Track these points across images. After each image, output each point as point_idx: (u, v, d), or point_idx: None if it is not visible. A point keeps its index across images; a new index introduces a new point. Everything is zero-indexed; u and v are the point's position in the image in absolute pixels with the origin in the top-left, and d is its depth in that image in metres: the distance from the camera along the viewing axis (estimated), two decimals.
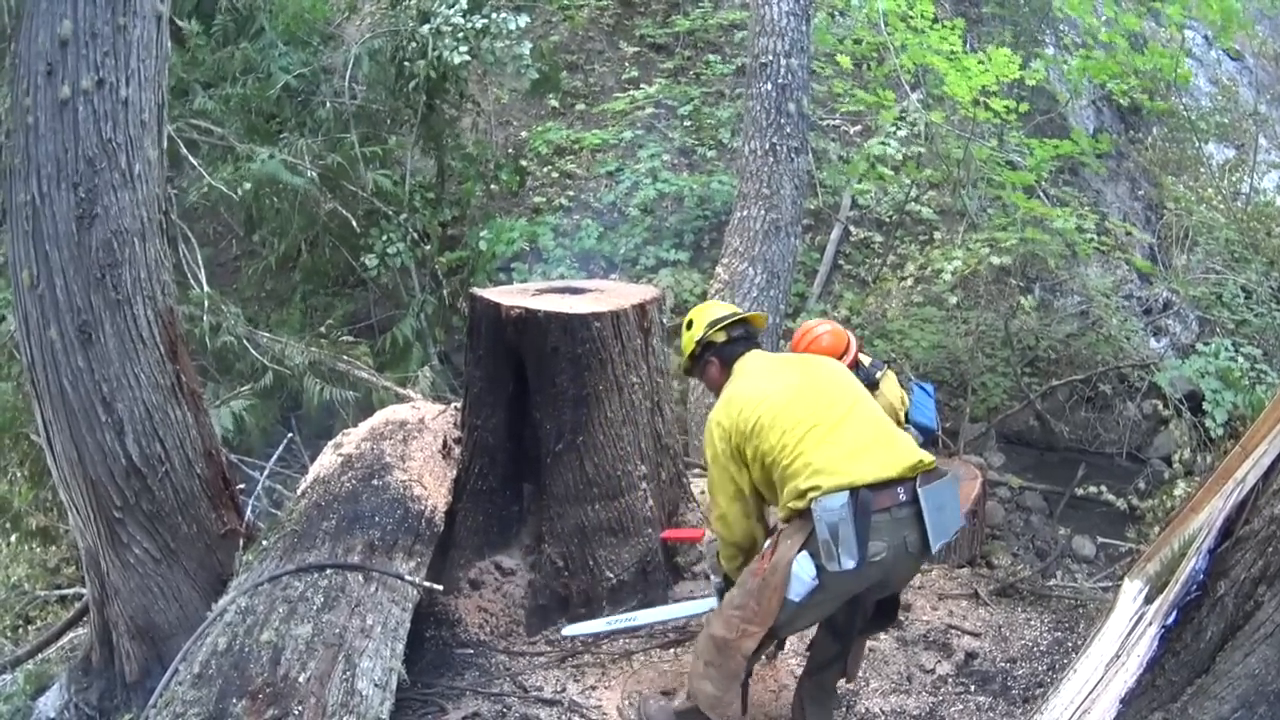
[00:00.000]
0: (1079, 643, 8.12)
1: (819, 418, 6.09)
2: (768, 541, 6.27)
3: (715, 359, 6.89)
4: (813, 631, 7.14)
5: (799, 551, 5.90)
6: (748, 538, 6.48)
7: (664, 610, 8.30)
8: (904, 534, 5.88)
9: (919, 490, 5.86)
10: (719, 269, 13.48)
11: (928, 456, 6.08)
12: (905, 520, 5.87)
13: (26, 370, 7.61)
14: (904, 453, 6.01)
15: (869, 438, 6.08)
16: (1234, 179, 20.59)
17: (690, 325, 7.04)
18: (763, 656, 7.67)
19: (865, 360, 9.68)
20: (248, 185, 14.37)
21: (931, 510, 5.86)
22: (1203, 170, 20.50)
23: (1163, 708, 5.28)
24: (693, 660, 6.74)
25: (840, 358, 8.91)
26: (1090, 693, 5.54)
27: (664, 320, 9.11)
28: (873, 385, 9.20)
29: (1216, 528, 5.46)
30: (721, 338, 6.84)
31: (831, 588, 5.96)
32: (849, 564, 5.71)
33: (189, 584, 7.77)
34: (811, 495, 5.80)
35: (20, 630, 12.91)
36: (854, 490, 5.75)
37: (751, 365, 6.68)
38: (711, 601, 7.49)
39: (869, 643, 8.28)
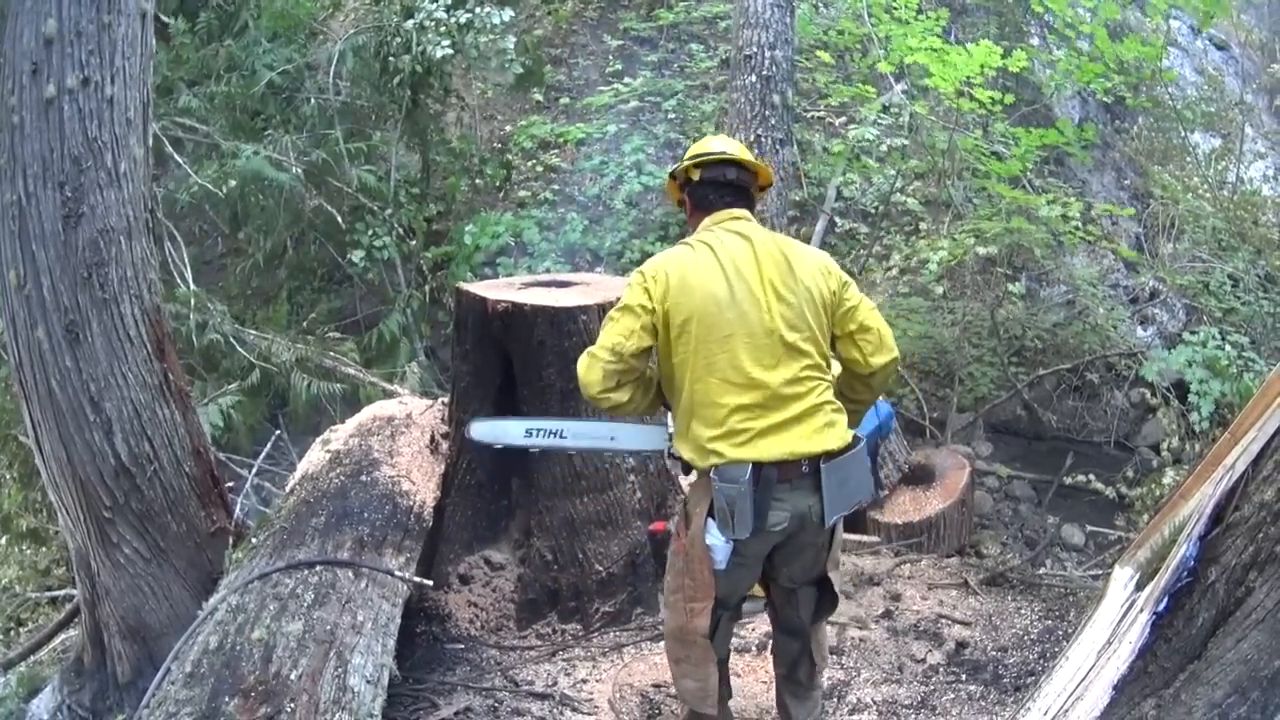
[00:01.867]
0: (1069, 631, 8.15)
1: (750, 362, 5.86)
2: (676, 516, 6.39)
3: (689, 197, 6.50)
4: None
5: (705, 520, 5.93)
6: (599, 390, 6.01)
7: (590, 427, 7.79)
8: (807, 503, 5.91)
9: (821, 466, 5.86)
10: None
11: (838, 444, 5.96)
12: (806, 490, 5.89)
13: (14, 371, 7.66)
14: (819, 438, 5.91)
15: (792, 409, 5.89)
16: (1220, 168, 20.53)
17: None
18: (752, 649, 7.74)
19: None
20: (233, 183, 14.37)
21: (830, 485, 5.88)
22: (1189, 159, 20.49)
23: (1155, 694, 5.28)
24: (670, 668, 6.70)
25: None
26: (1083, 679, 5.55)
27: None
28: None
29: (1207, 514, 5.46)
30: (695, 176, 6.34)
31: (744, 550, 6.01)
32: (743, 534, 5.78)
33: (179, 583, 7.84)
34: (713, 461, 5.81)
35: (11, 633, 12.95)
36: (757, 464, 5.75)
37: (723, 241, 6.12)
38: (641, 430, 7.51)
39: (859, 633, 8.55)
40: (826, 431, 5.94)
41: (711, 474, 5.80)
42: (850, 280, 6.20)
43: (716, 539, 5.93)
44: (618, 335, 5.90)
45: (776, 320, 5.87)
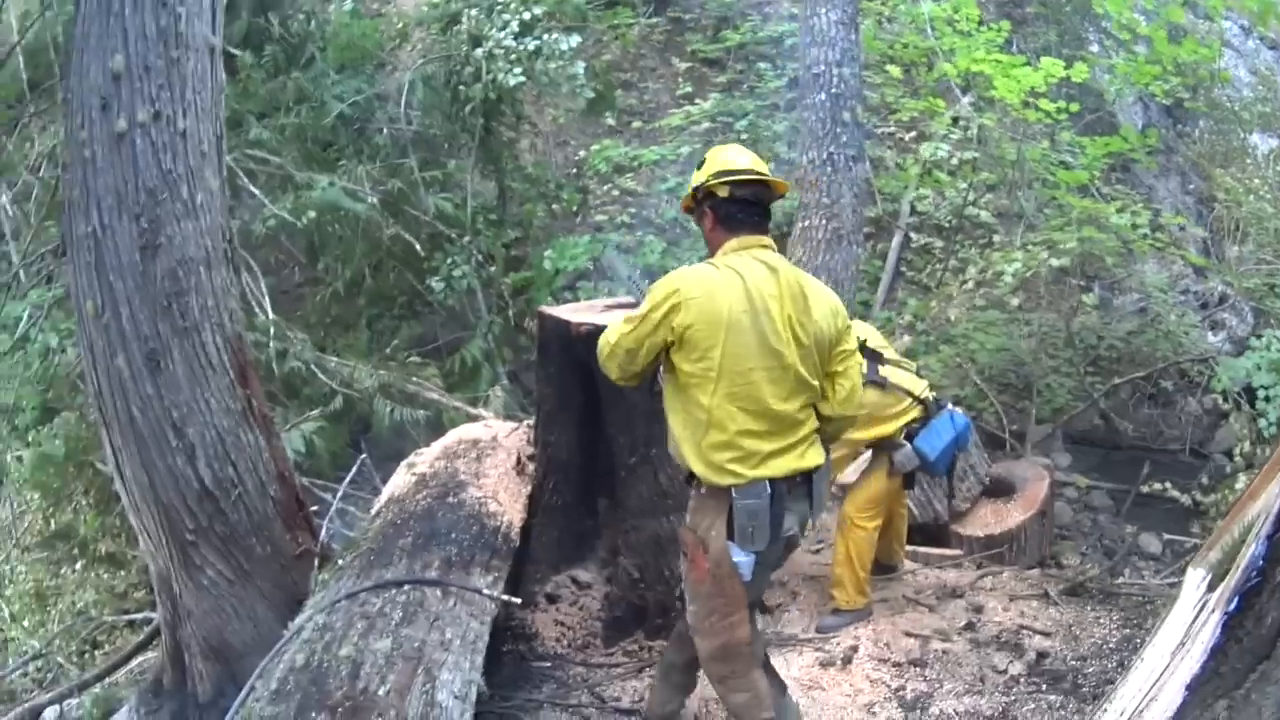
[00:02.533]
0: (1148, 638, 8.17)
1: (769, 393, 6.05)
2: (688, 537, 6.34)
3: (711, 212, 6.44)
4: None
5: (725, 540, 6.08)
6: (616, 378, 6.42)
7: None
8: (803, 509, 6.29)
9: (813, 477, 6.24)
10: None
11: (822, 459, 6.32)
12: (803, 498, 6.24)
13: (93, 398, 7.70)
14: (810, 454, 6.23)
15: (796, 434, 6.17)
16: (1279, 168, 20.47)
17: (702, 164, 6.54)
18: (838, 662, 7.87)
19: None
20: (311, 214, 14.44)
21: (818, 493, 6.32)
22: (1249, 161, 20.42)
23: (1227, 695, 5.25)
24: (717, 690, 6.70)
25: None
26: (1157, 680, 5.57)
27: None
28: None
29: (1274, 513, 5.45)
30: (724, 193, 6.32)
31: (764, 558, 6.21)
32: (763, 545, 6.03)
33: (264, 604, 7.85)
34: (730, 480, 5.99)
35: (87, 655, 13.01)
36: (772, 481, 5.99)
37: (751, 270, 6.14)
38: None
39: (942, 645, 8.63)
40: (814, 448, 6.28)
41: (732, 493, 5.99)
42: (852, 329, 6.43)
43: (740, 555, 6.08)
44: (634, 341, 6.10)
45: (794, 356, 6.06)
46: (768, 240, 6.31)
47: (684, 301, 5.96)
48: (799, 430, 6.14)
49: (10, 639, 13.77)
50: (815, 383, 6.18)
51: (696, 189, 6.50)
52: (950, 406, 9.28)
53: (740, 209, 6.32)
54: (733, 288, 6.01)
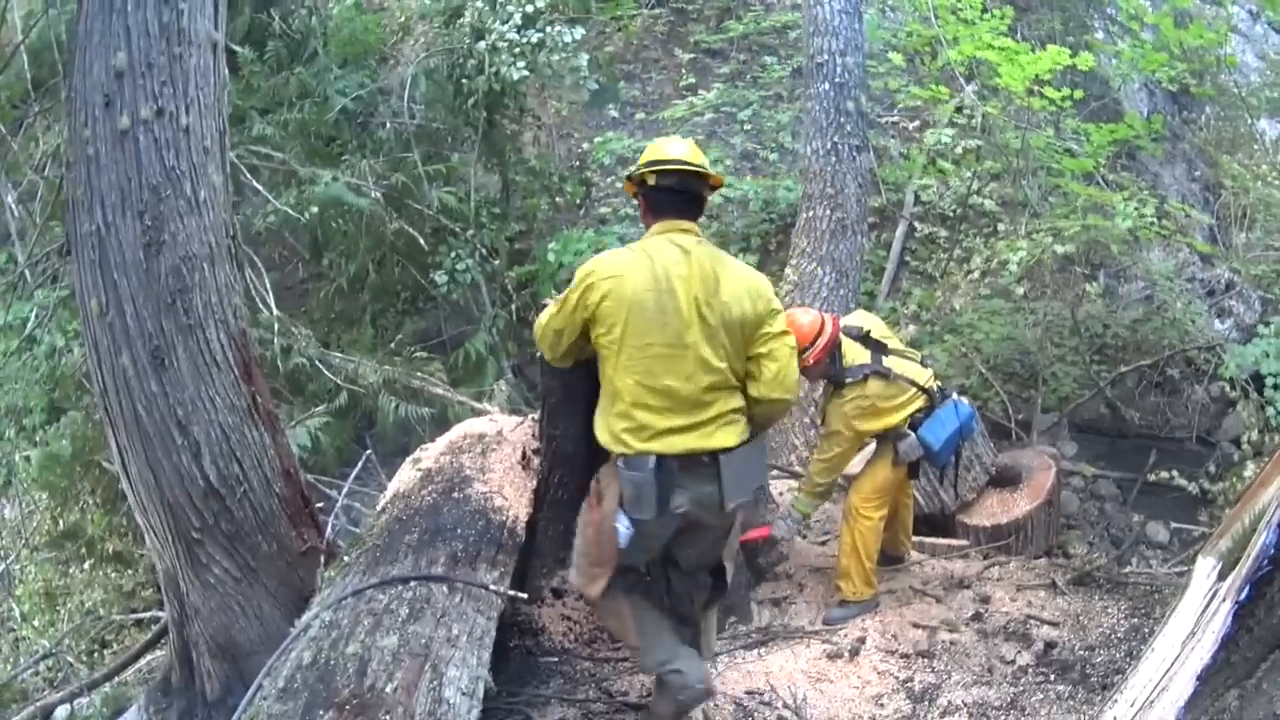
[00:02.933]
0: (1156, 629, 8.16)
1: (664, 370, 6.33)
2: (594, 486, 6.78)
3: (642, 199, 6.85)
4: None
5: (616, 505, 6.45)
6: (549, 358, 7.08)
7: None
8: (705, 489, 6.39)
9: (720, 458, 6.35)
10: (788, 270, 13.61)
11: (734, 441, 6.43)
12: (706, 477, 6.37)
13: (99, 397, 7.68)
14: (718, 435, 6.38)
15: (697, 415, 6.37)
16: None
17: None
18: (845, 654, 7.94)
19: (853, 358, 9.21)
20: (314, 209, 14.43)
21: (728, 475, 6.39)
22: (1256, 147, 20.39)
23: (1238, 684, 5.25)
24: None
25: (800, 351, 8.38)
26: (1168, 670, 5.54)
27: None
28: (839, 385, 9.07)
29: None
30: (651, 181, 6.68)
31: (647, 531, 6.50)
32: (648, 515, 6.35)
33: (270, 602, 7.84)
34: (621, 450, 6.38)
35: (96, 655, 13.05)
36: (660, 457, 6.27)
37: (662, 251, 6.53)
38: None
39: (950, 636, 8.66)
40: (725, 429, 6.42)
41: (619, 464, 6.39)
42: (781, 312, 6.53)
43: (622, 521, 6.43)
44: (560, 322, 6.66)
45: (695, 336, 6.31)
46: (688, 225, 6.63)
47: (596, 282, 6.41)
48: (704, 410, 6.36)
49: (21, 638, 13.79)
50: (722, 365, 6.38)
51: (630, 177, 6.88)
52: (955, 396, 9.30)
53: (665, 196, 6.66)
54: (641, 269, 6.39)
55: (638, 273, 6.38)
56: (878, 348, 9.15)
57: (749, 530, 9.16)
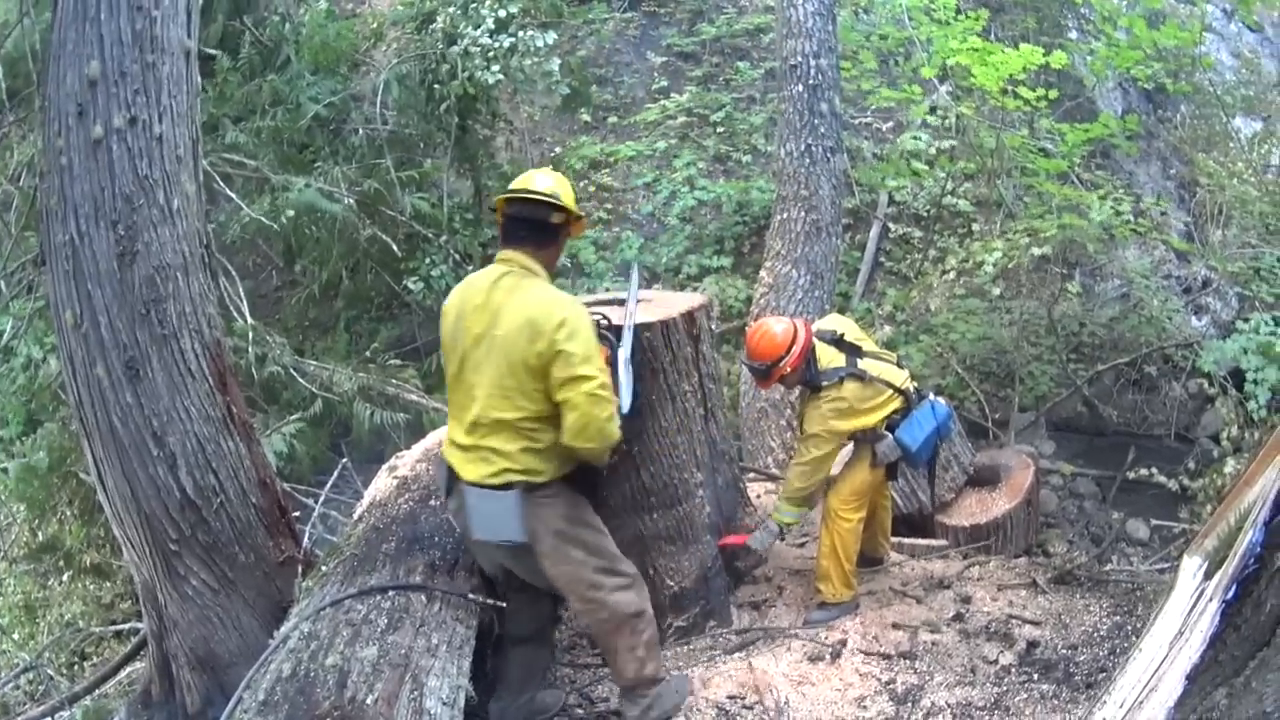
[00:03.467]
0: (1138, 626, 8.15)
1: (454, 395, 6.73)
2: None
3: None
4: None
5: None
6: None
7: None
8: (497, 524, 6.60)
9: (464, 487, 6.57)
10: (763, 272, 13.56)
11: (479, 477, 6.55)
12: (496, 511, 6.56)
13: (74, 409, 7.64)
14: (471, 468, 6.57)
15: (468, 440, 6.61)
16: (1263, 151, 20.50)
17: None
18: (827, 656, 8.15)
19: (828, 361, 9.10)
20: (291, 213, 14.40)
21: (474, 507, 6.61)
22: (1232, 145, 20.46)
23: (1226, 683, 5.24)
24: None
25: (776, 360, 8.77)
26: (1156, 670, 5.55)
27: (712, 327, 9.21)
28: (815, 388, 8.95)
29: (1270, 500, 5.44)
30: (500, 209, 6.79)
31: (473, 546, 7.03)
32: (448, 513, 7.12)
33: (249, 613, 7.81)
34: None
35: (76, 667, 13.00)
36: (454, 471, 6.67)
37: (474, 282, 6.75)
38: None
39: (931, 637, 8.69)
40: (477, 464, 6.54)
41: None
42: (575, 355, 6.27)
43: None
44: None
45: (469, 367, 6.55)
46: (513, 254, 6.62)
47: (443, 310, 6.84)
48: (479, 438, 6.53)
49: (1, 652, 13.73)
50: (493, 399, 6.45)
51: (494, 209, 7.00)
52: (931, 396, 9.31)
53: (508, 224, 6.74)
54: (456, 297, 6.76)
55: (453, 300, 6.74)
56: (852, 350, 9.13)
57: (726, 536, 9.27)
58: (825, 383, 8.84)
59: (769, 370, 8.80)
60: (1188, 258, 18.35)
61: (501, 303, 6.41)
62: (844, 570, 9.09)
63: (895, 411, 9.03)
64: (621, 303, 8.82)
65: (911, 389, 9.17)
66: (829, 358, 8.99)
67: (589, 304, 8.79)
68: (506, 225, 6.70)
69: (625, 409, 7.00)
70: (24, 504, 13.37)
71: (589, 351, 6.29)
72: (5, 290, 12.96)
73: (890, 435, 9.00)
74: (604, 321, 7.34)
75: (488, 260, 16.88)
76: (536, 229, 6.63)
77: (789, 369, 8.76)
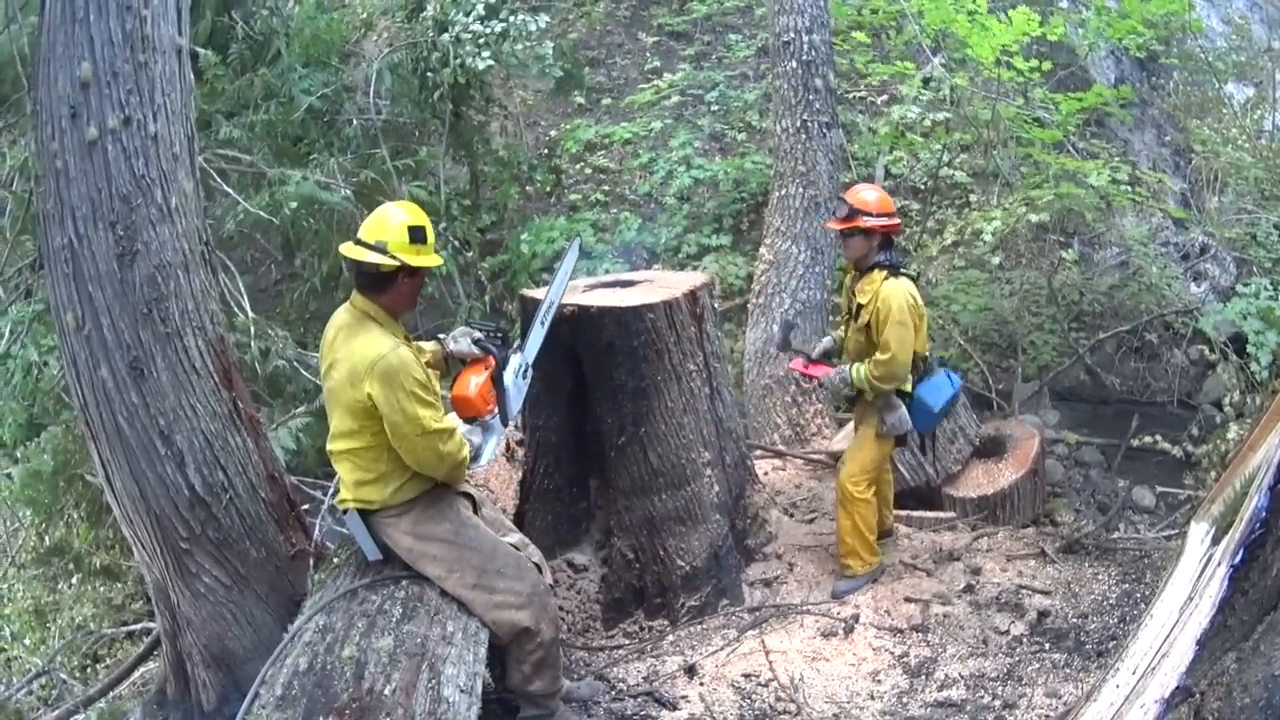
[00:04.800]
0: (1147, 594, 8.19)
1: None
2: None
3: None
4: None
5: None
6: None
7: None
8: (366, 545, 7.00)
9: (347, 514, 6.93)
10: (762, 249, 13.60)
11: (341, 498, 6.97)
12: (363, 534, 6.95)
13: (79, 411, 7.62)
14: (342, 493, 6.98)
15: (340, 467, 6.96)
16: (1256, 116, 20.50)
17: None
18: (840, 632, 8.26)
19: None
20: (294, 205, 14.36)
21: (355, 529, 6.91)
22: (1225, 111, 20.46)
23: (1235, 647, 5.24)
24: None
25: (868, 212, 8.75)
26: (1167, 636, 5.54)
27: (715, 305, 9.19)
28: (893, 270, 8.79)
29: (1275, 464, 5.44)
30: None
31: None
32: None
33: (262, 608, 7.81)
34: None
35: (89, 669, 12.98)
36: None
37: (333, 320, 6.94)
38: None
39: (943, 609, 8.89)
40: (351, 491, 6.87)
41: None
42: (395, 403, 6.46)
43: None
44: None
45: (327, 399, 6.90)
46: (358, 299, 6.84)
47: None
48: (340, 466, 6.90)
49: (13, 658, 13.73)
50: (335, 431, 6.85)
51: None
52: (945, 368, 9.27)
53: (354, 269, 6.90)
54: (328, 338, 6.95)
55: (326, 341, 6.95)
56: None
57: (808, 366, 9.42)
58: (904, 270, 8.84)
59: (854, 214, 8.79)
60: (1185, 224, 18.34)
61: (337, 346, 6.72)
62: (868, 541, 9.17)
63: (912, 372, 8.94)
64: (624, 285, 8.88)
65: (926, 355, 9.13)
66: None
67: (591, 286, 8.87)
68: (354, 269, 6.87)
69: (510, 417, 7.32)
70: (29, 508, 13.34)
71: (407, 399, 6.47)
72: (3, 295, 12.93)
73: (902, 406, 8.91)
74: (490, 330, 7.41)
75: (487, 245, 17.03)
76: (372, 278, 6.76)
77: (869, 228, 8.78)
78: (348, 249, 6.70)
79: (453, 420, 6.76)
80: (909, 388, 8.97)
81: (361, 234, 6.71)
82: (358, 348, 6.55)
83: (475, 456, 6.95)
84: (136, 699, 10.34)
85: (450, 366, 7.43)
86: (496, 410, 7.09)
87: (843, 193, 9.28)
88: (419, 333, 7.63)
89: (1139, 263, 17.11)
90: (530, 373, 7.49)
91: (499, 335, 7.39)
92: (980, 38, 14.62)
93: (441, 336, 7.45)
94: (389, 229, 6.67)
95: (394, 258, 6.61)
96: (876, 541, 9.56)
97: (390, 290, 6.76)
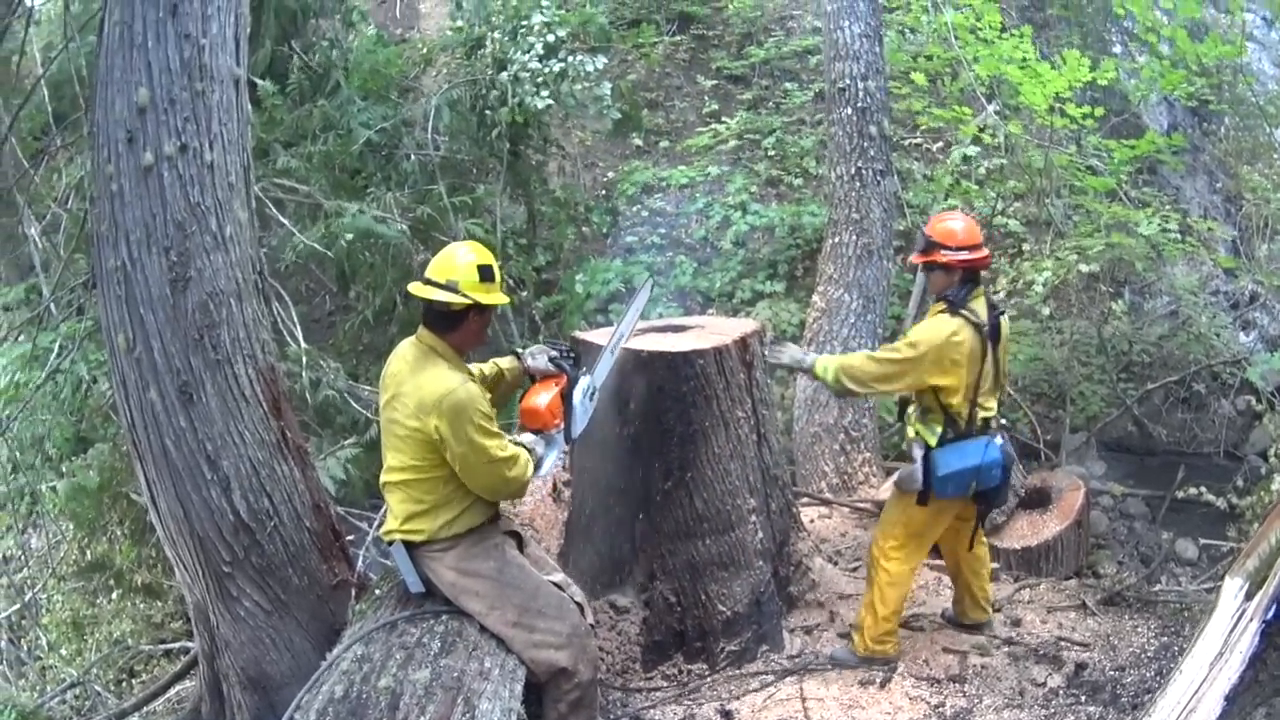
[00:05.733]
0: (1185, 647, 8.15)
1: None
2: None
3: None
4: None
5: None
6: None
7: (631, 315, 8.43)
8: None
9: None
10: (815, 297, 13.56)
11: (388, 529, 7.04)
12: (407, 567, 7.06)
13: (127, 431, 7.68)
14: (388, 522, 7.08)
15: (385, 491, 7.09)
16: None
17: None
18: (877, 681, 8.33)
19: (976, 306, 8.42)
20: (350, 236, 14.41)
21: (397, 559, 7.05)
22: (1276, 156, 20.39)
23: (1266, 703, 5.26)
24: None
25: (949, 246, 8.30)
26: (1196, 692, 5.55)
27: (765, 353, 9.08)
28: (952, 308, 8.31)
29: None
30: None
31: None
32: None
33: (301, 635, 7.87)
34: None
35: (124, 684, 13.03)
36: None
37: (399, 351, 7.08)
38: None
39: (981, 660, 8.86)
40: (389, 520, 7.06)
41: None
42: (461, 437, 6.61)
43: None
44: None
45: (384, 431, 7.02)
46: (425, 334, 6.97)
47: None
48: (387, 494, 7.05)
49: (48, 667, 13.79)
50: (390, 462, 6.93)
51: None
52: (998, 437, 8.49)
53: (423, 305, 6.99)
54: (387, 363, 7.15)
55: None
56: (995, 336, 8.46)
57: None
58: (962, 313, 8.26)
59: (931, 247, 8.39)
60: (1234, 273, 18.27)
61: (402, 379, 6.82)
62: (879, 628, 8.68)
63: (950, 429, 8.36)
64: (676, 330, 8.89)
65: (981, 418, 8.45)
66: (979, 306, 8.44)
67: (644, 330, 8.88)
68: (423, 306, 6.96)
69: (574, 435, 7.40)
70: (73, 522, 13.40)
71: (476, 431, 6.63)
72: (55, 311, 13.01)
73: (919, 460, 8.37)
74: (564, 349, 7.54)
75: (541, 285, 17.06)
76: (441, 316, 6.89)
77: (947, 262, 8.34)
78: (417, 288, 6.82)
79: (513, 448, 6.86)
80: (934, 441, 8.39)
81: (430, 273, 6.83)
82: (425, 382, 6.67)
83: (536, 465, 7.08)
84: (171, 715, 10.41)
85: (526, 382, 7.61)
86: (562, 425, 7.21)
87: (924, 231, 8.67)
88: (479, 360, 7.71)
89: (1188, 312, 17.11)
90: (597, 395, 7.58)
91: (572, 355, 7.51)
92: (1032, 85, 14.64)
93: (520, 352, 7.67)
94: (459, 268, 6.80)
95: (465, 296, 6.74)
96: (963, 628, 9.33)
97: (460, 328, 6.91)
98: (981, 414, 8.41)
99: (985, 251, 8.48)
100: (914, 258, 8.78)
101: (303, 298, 17.52)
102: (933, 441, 8.33)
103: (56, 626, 14.02)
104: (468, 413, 6.53)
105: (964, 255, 8.33)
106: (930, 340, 8.13)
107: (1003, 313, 8.60)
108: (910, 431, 8.65)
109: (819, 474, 12.71)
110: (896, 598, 8.63)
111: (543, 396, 7.20)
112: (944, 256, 8.33)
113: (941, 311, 8.33)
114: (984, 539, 9.14)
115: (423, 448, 6.66)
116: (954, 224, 8.46)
